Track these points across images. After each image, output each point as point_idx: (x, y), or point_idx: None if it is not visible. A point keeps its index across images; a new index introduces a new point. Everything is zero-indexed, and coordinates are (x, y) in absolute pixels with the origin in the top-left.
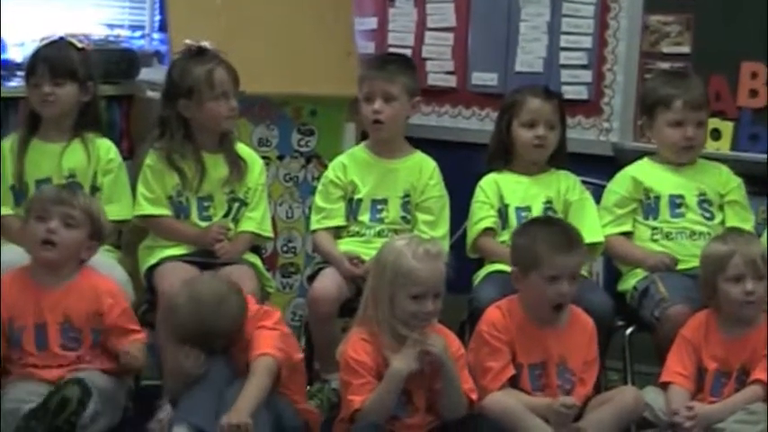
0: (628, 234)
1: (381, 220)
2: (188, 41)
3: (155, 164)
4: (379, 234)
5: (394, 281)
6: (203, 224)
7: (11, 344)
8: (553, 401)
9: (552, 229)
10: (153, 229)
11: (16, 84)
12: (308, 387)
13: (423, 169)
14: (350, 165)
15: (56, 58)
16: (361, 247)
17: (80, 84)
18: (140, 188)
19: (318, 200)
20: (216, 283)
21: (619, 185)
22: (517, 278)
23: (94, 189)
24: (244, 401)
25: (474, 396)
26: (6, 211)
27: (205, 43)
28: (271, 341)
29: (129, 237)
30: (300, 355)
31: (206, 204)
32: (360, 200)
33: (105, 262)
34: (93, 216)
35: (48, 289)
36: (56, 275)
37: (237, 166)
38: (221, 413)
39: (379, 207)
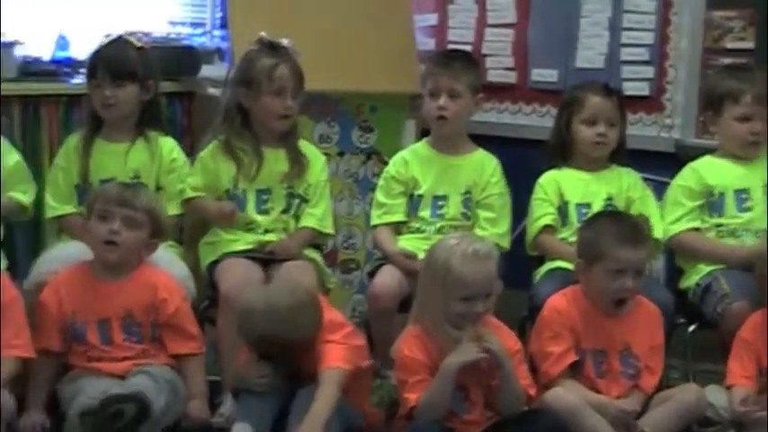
0: (697, 231)
1: (442, 216)
2: (263, 34)
3: (211, 155)
4: (439, 231)
5: (443, 282)
6: (260, 218)
7: (74, 338)
8: (611, 403)
9: (619, 223)
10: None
11: (80, 81)
12: None
13: (485, 166)
14: (411, 160)
15: (115, 60)
16: (421, 244)
17: (140, 83)
18: (189, 177)
19: (379, 195)
20: (295, 293)
21: (685, 179)
22: (581, 270)
23: (158, 188)
24: (315, 416)
25: (532, 392)
26: (69, 209)
27: (284, 41)
28: (339, 353)
29: (190, 232)
30: (368, 362)
31: (264, 198)
32: (420, 195)
33: (166, 257)
34: (155, 215)
35: (108, 284)
36: (116, 272)
37: (298, 162)
38: (280, 420)
39: (440, 203)
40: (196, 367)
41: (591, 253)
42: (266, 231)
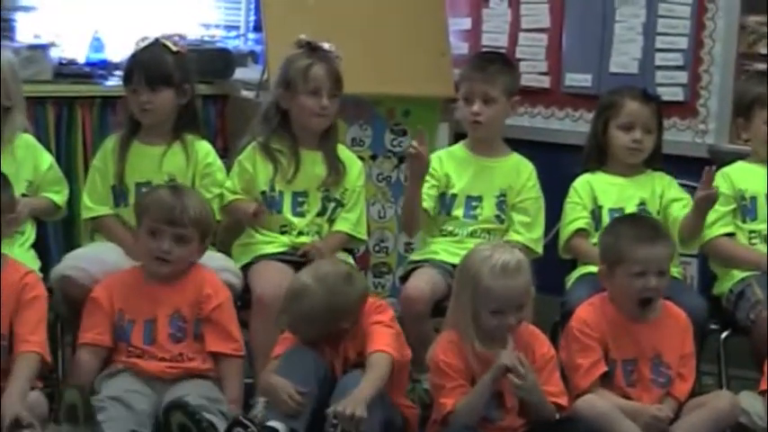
0: (731, 236)
1: (475, 218)
2: (302, 36)
3: (249, 157)
4: (472, 234)
5: (474, 294)
6: (296, 220)
7: (119, 337)
8: (644, 409)
9: (636, 223)
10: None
11: (114, 83)
12: None
13: (521, 170)
14: (446, 159)
15: (151, 64)
16: (454, 248)
17: (176, 88)
18: (227, 182)
19: None
20: (338, 264)
21: (718, 185)
22: (605, 276)
23: None
24: (361, 393)
25: (564, 400)
26: (105, 210)
27: (325, 44)
28: (388, 338)
29: (222, 235)
30: (409, 354)
31: (300, 200)
32: (454, 195)
33: (213, 254)
34: (203, 225)
35: (159, 288)
36: (168, 278)
37: (335, 167)
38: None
39: (474, 204)
40: (234, 370)
41: (612, 257)
42: (300, 234)
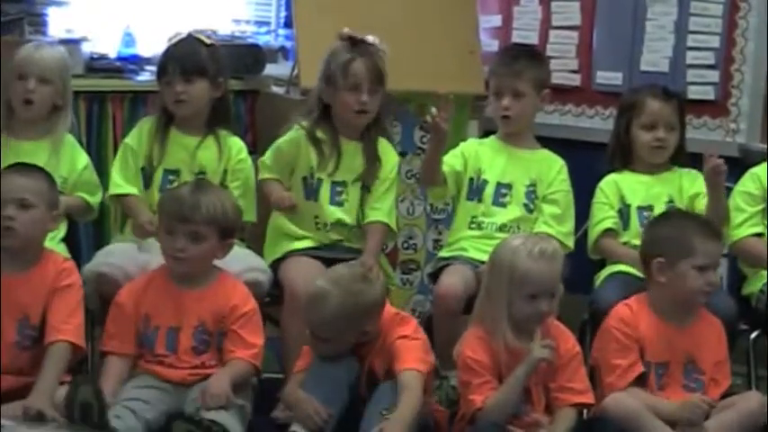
0: (760, 236)
1: (504, 206)
2: (346, 30)
3: (292, 141)
4: (501, 229)
5: (510, 281)
6: (332, 208)
7: (144, 343)
8: (684, 403)
9: (696, 219)
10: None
11: (145, 78)
12: None
13: (551, 164)
14: (479, 146)
15: (186, 56)
16: (482, 245)
17: (210, 80)
18: (266, 154)
19: None
20: (352, 266)
21: (745, 185)
22: (662, 270)
23: (224, 186)
24: (400, 421)
25: (589, 398)
26: (133, 190)
27: (370, 37)
28: (416, 353)
29: (252, 229)
30: (434, 361)
31: (339, 189)
32: (486, 180)
33: (240, 251)
34: (219, 221)
35: (186, 293)
36: (193, 280)
37: (373, 161)
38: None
39: (504, 191)
40: (238, 371)
41: (676, 250)
42: (334, 226)
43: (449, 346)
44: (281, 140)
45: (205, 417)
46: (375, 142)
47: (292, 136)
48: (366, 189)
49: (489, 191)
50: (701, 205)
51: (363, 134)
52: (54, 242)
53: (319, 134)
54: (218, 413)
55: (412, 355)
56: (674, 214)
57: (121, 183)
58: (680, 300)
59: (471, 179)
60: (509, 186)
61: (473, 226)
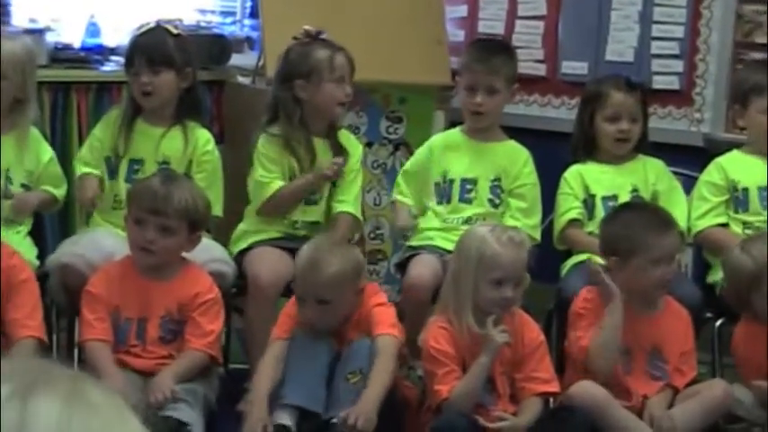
0: (724, 226)
1: (470, 201)
2: (307, 27)
3: (267, 151)
4: (467, 222)
5: (477, 265)
6: (307, 208)
7: (116, 334)
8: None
9: (645, 212)
10: (276, 205)
11: (110, 68)
12: None
13: (517, 156)
14: (441, 149)
15: (152, 47)
16: (449, 234)
17: (178, 70)
18: (258, 172)
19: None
20: (330, 235)
21: (710, 175)
22: (617, 267)
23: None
24: (370, 400)
25: (555, 387)
26: (97, 172)
27: (324, 34)
28: (392, 319)
29: (218, 221)
30: (403, 334)
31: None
32: (452, 180)
33: (206, 242)
34: (191, 214)
35: (153, 284)
36: (160, 272)
37: (341, 154)
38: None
39: (469, 187)
40: (193, 362)
41: (625, 247)
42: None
43: (417, 336)
44: (262, 152)
45: (158, 414)
46: (337, 135)
47: (266, 146)
48: (332, 183)
49: (456, 189)
50: (662, 203)
51: (326, 129)
52: (20, 236)
53: (294, 140)
54: (170, 408)
55: (389, 320)
56: (621, 211)
57: (82, 166)
58: (639, 293)
59: (437, 183)
60: (474, 182)
61: (441, 221)
